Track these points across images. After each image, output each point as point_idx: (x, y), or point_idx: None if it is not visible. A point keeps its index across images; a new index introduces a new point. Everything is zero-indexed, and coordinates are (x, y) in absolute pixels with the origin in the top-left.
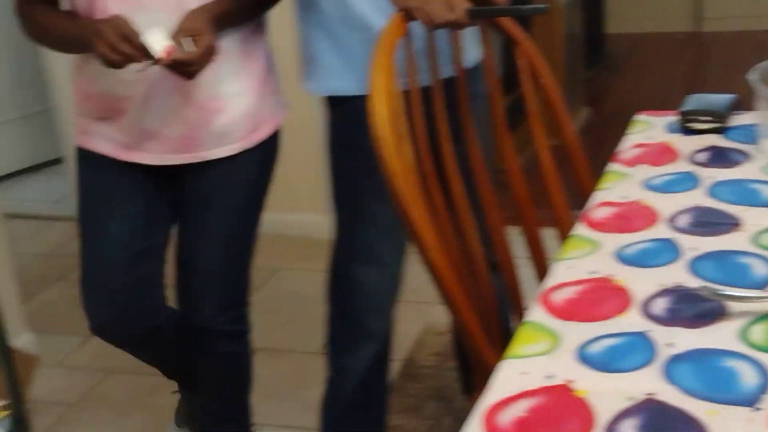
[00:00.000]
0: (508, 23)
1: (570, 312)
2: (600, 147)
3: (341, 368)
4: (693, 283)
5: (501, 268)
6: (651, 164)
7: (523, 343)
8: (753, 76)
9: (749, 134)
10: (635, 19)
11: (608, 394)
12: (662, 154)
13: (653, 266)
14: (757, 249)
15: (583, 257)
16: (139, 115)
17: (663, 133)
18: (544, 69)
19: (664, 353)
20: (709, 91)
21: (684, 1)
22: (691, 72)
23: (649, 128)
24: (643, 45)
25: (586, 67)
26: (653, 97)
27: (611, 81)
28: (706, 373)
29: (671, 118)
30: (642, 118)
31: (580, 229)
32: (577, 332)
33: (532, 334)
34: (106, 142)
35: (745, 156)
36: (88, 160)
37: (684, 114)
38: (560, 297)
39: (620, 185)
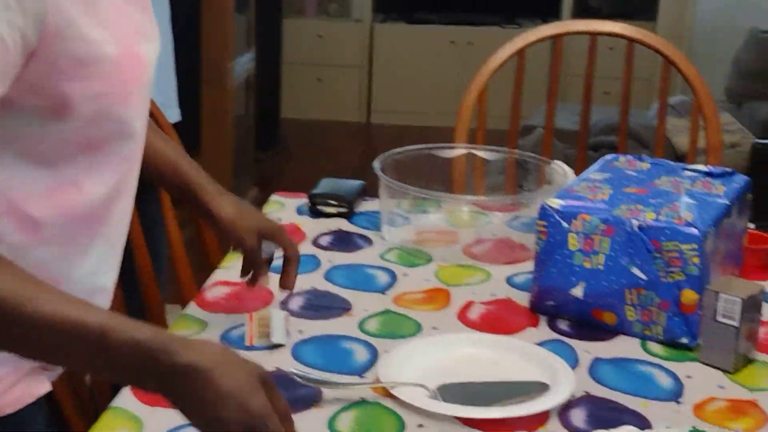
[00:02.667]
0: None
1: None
2: None
3: None
4: (295, 367)
5: None
6: None
7: (104, 429)
8: (376, 164)
9: (373, 220)
10: (311, 106)
11: None
12: (289, 234)
13: (259, 348)
14: (362, 335)
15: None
16: None
17: (293, 214)
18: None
19: None
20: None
21: (355, 92)
22: (359, 160)
23: (282, 209)
24: (317, 131)
25: (258, 149)
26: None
27: (283, 164)
28: None
29: (303, 200)
30: (276, 199)
31: (192, 309)
32: (163, 419)
33: (116, 421)
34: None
35: (366, 241)
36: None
37: (313, 197)
38: None
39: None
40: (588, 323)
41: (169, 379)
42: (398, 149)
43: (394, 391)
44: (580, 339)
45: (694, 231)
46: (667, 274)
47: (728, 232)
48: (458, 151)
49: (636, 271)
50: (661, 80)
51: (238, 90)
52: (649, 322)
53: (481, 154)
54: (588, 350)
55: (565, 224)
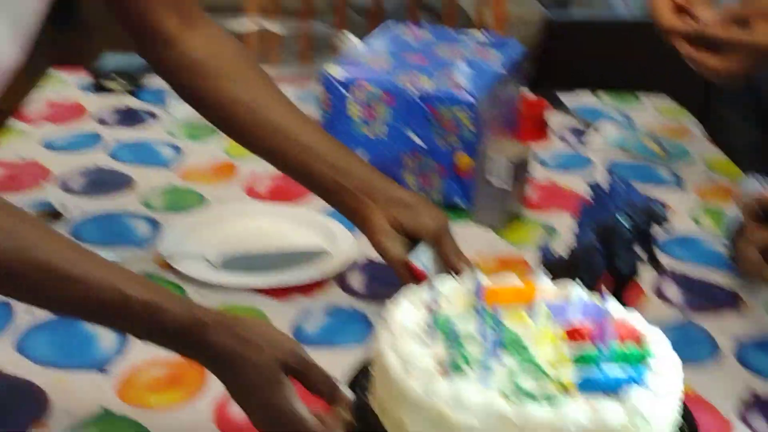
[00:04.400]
0: None
1: None
2: None
3: None
4: None
5: None
6: (55, 122)
7: None
8: None
9: (160, 96)
10: None
11: None
12: (70, 112)
13: None
14: (144, 210)
15: None
16: None
17: (75, 91)
18: None
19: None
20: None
21: None
22: None
23: (63, 85)
24: None
25: (53, 25)
26: None
27: (82, 42)
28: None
29: (86, 76)
30: (56, 75)
31: None
32: None
33: None
34: None
35: (153, 117)
36: None
37: (96, 72)
38: None
39: (17, 144)
40: None
41: (202, 356)
42: None
43: (174, 264)
44: None
45: (469, 98)
46: (444, 140)
47: (503, 99)
48: (249, 26)
49: (415, 138)
50: None
51: None
52: (427, 187)
53: (272, 28)
54: None
55: (346, 93)
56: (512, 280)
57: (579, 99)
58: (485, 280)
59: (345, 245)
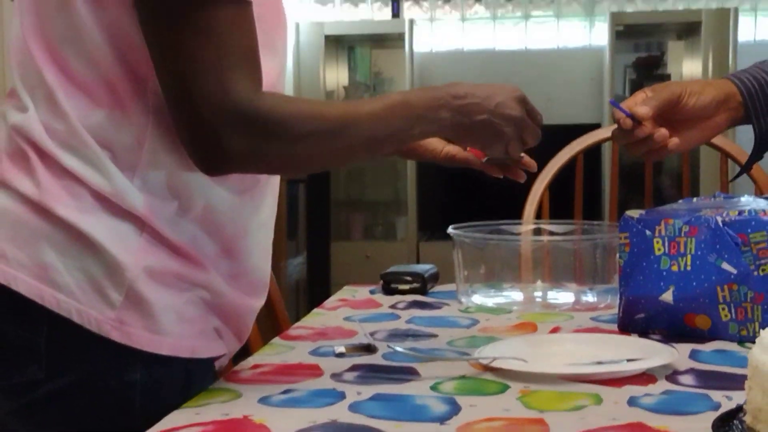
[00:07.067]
0: None
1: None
2: None
3: None
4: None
5: None
6: (352, 308)
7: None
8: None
9: (450, 295)
10: None
11: None
12: (365, 303)
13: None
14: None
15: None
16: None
17: (367, 294)
18: None
19: None
20: None
21: None
22: None
23: (355, 293)
24: None
25: None
26: None
27: None
28: None
29: (375, 286)
30: (349, 288)
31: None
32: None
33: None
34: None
35: (445, 305)
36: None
37: (386, 275)
38: None
39: (319, 319)
40: (681, 332)
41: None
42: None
43: (494, 364)
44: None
45: None
46: (757, 267)
47: None
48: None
49: (726, 266)
50: None
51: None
52: (744, 320)
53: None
54: (684, 351)
55: (648, 231)
56: None
57: None
58: None
59: (667, 350)
